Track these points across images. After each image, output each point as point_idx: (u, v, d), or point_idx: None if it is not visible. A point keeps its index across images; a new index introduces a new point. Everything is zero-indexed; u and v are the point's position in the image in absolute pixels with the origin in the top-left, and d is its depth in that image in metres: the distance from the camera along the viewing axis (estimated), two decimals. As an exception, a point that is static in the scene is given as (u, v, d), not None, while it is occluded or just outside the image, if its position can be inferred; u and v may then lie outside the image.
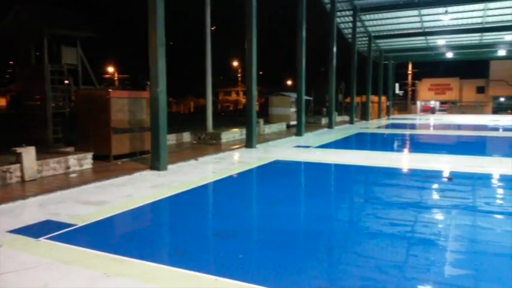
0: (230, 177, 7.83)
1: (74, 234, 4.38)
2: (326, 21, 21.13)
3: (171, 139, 12.82)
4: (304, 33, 16.05)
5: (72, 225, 4.63)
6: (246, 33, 12.08)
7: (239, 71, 65.85)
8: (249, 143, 12.19)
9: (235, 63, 66.47)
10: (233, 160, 9.97)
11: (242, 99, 59.48)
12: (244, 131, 12.89)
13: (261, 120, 17.20)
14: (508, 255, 3.85)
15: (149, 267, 3.50)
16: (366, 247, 4.11)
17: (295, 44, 16.28)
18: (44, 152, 7.99)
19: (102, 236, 4.42)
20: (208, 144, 13.08)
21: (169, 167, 8.43)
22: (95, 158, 8.54)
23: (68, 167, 7.82)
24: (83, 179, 7.15)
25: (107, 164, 8.70)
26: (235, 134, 14.69)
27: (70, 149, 9.20)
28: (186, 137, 13.88)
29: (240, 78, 66.61)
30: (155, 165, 8.14)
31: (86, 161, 8.25)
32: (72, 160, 7.93)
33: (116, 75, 57.11)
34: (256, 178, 8.25)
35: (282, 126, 19.69)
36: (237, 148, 12.02)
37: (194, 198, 6.22)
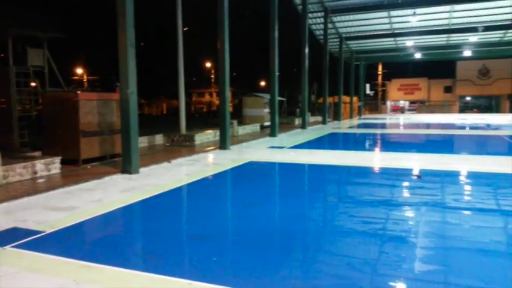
0: (204, 179, 7.77)
1: (42, 241, 4.23)
2: (298, 22, 21.31)
3: (143, 142, 12.62)
4: (276, 34, 16.14)
5: (40, 232, 4.47)
6: (218, 34, 12.03)
7: (212, 72, 65.56)
8: (223, 144, 12.14)
9: (208, 64, 66.14)
10: (207, 162, 9.90)
11: (216, 100, 59.22)
12: (218, 133, 12.83)
13: (235, 122, 17.16)
14: (475, 249, 3.97)
15: (121, 274, 3.42)
16: (339, 245, 4.16)
17: (268, 44, 16.35)
18: (9, 157, 7.69)
19: (71, 242, 4.28)
20: (181, 146, 12.94)
21: (142, 170, 8.28)
22: (63, 162, 8.30)
23: (35, 172, 7.56)
24: (51, 184, 6.92)
25: (76, 169, 8.47)
26: (209, 135, 14.61)
27: (37, 153, 8.90)
28: (159, 139, 13.69)
29: (213, 79, 66.33)
30: (126, 168, 7.98)
31: (54, 165, 8.00)
32: (39, 165, 7.67)
33: (85, 76, 55.77)
34: (230, 180, 8.22)
35: (256, 127, 19.73)
36: (211, 150, 11.95)
37: (167, 201, 6.13)
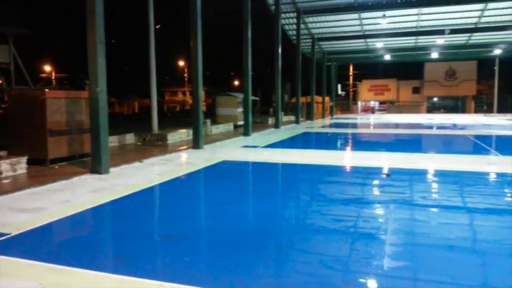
0: (177, 178, 7.69)
1: (7, 243, 4.08)
2: (272, 22, 21.41)
3: (113, 141, 12.37)
4: (249, 34, 16.16)
5: (5, 234, 4.31)
6: (191, 33, 11.94)
7: (186, 70, 64.98)
8: (196, 143, 12.05)
9: (181, 63, 65.49)
10: (180, 161, 9.81)
11: (189, 99, 58.73)
12: (191, 132, 12.73)
13: (208, 121, 17.08)
14: (442, 245, 4.11)
15: (90, 276, 3.34)
16: (311, 243, 4.22)
17: (242, 44, 16.35)
18: (-29, 157, 7.38)
19: (38, 244, 4.16)
20: (153, 145, 12.76)
21: (112, 170, 8.12)
22: (30, 162, 8.03)
23: (0, 173, 7.28)
24: (16, 185, 6.69)
25: (43, 169, 8.21)
26: (182, 134, 14.48)
27: (3, 153, 8.57)
28: (130, 138, 13.46)
29: (186, 78, 65.74)
30: (96, 168, 7.81)
31: (20, 165, 7.73)
32: (4, 165, 7.40)
33: (54, 74, 54.14)
34: (203, 179, 8.18)
35: (230, 126, 19.69)
36: (184, 149, 11.84)
37: (139, 201, 6.03)
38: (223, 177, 8.25)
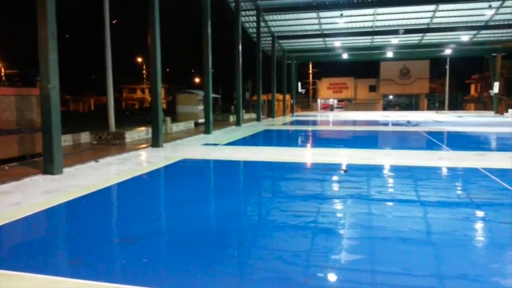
0: (135, 178, 7.51)
1: None
2: (232, 19, 21.35)
3: (67, 140, 11.91)
4: (209, 31, 16.03)
5: None
6: (149, 28, 11.67)
7: (144, 67, 63.55)
8: (155, 142, 11.82)
9: (140, 59, 63.97)
10: (138, 160, 9.58)
11: (148, 97, 57.51)
12: (150, 130, 12.48)
13: (168, 119, 16.81)
14: (396, 238, 4.26)
15: (43, 281, 3.20)
16: (272, 240, 4.25)
17: (202, 41, 16.19)
18: None
19: (-16, 250, 3.92)
20: (110, 144, 12.39)
21: (66, 170, 7.80)
22: (-25, 163, 7.57)
23: None
24: (-40, 188, 6.28)
25: (-9, 170, 7.77)
26: (141, 133, 14.16)
27: None
28: (85, 137, 13.00)
29: (145, 75, 64.32)
30: (48, 168, 7.47)
31: (-36, 167, 7.27)
32: None
33: (3, 70, 51.30)
34: (163, 178, 8.04)
35: (190, 124, 19.48)
36: (143, 148, 11.59)
37: (94, 202, 5.83)
38: (183, 175, 8.15)
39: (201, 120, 19.60)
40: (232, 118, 25.00)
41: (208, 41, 16.04)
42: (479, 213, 5.25)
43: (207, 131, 16.34)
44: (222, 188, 7.04)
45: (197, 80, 62.29)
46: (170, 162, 9.26)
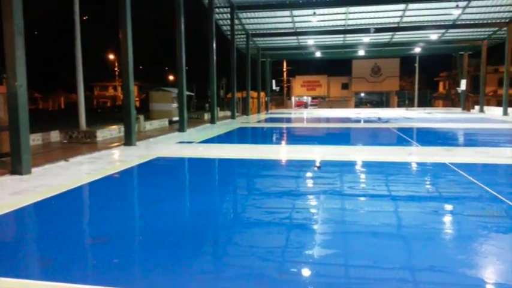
0: (108, 177, 7.37)
1: None
2: (205, 16, 21.20)
3: (36, 139, 11.56)
4: (182, 28, 15.87)
5: None
6: (120, 24, 11.45)
7: (116, 64, 62.28)
8: (128, 140, 11.62)
9: (112, 56, 62.62)
10: (111, 159, 9.41)
11: (121, 94, 56.40)
12: (123, 128, 12.26)
13: (141, 117, 16.57)
14: (368, 232, 4.37)
15: (12, 284, 3.11)
16: (247, 237, 4.27)
17: (176, 38, 16.02)
18: None
19: None
20: (81, 143, 12.11)
21: (34, 170, 7.58)
22: None
23: None
24: None
25: (-46, 171, 7.46)
26: (113, 131, 13.89)
27: None
28: (55, 136, 12.65)
29: (117, 73, 63.04)
30: (16, 168, 7.24)
31: None
32: None
33: (-35, 67, 49.18)
34: (137, 177, 7.93)
35: (164, 122, 19.26)
36: (115, 146, 11.38)
37: (65, 202, 5.69)
38: (157, 174, 8.06)
39: (175, 118, 19.40)
40: (206, 116, 24.87)
41: (182, 38, 15.89)
42: (447, 207, 5.44)
43: (181, 129, 16.20)
44: (196, 185, 7.01)
45: (171, 77, 61.57)
46: (143, 160, 9.14)
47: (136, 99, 54.34)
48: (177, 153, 10.60)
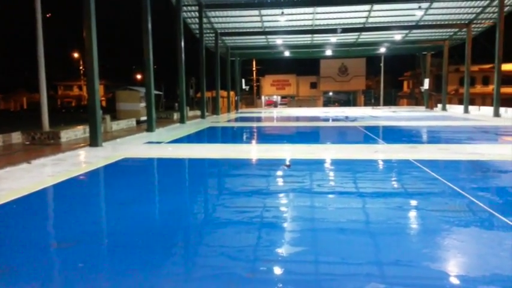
0: (72, 179, 7.15)
1: None
2: (173, 15, 20.93)
3: (-4, 141, 11.07)
4: (149, 26, 15.61)
5: None
6: (84, 20, 11.13)
7: (81, 63, 60.46)
8: (93, 141, 11.32)
9: (76, 55, 60.75)
10: (75, 161, 9.13)
11: (86, 94, 54.80)
12: (88, 129, 11.93)
13: (108, 117, 16.18)
14: (337, 229, 4.44)
15: (-33, 293, 2.96)
16: (217, 237, 4.25)
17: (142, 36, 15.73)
18: None
19: None
20: (45, 144, 11.70)
21: (-6, 173, 7.26)
22: None
23: None
24: None
25: None
26: (78, 132, 13.50)
27: None
28: (17, 137, 12.16)
29: (82, 71, 61.19)
30: (-26, 172, 6.91)
31: None
32: None
33: None
34: (103, 178, 7.73)
35: (132, 122, 18.89)
36: (81, 147, 11.06)
37: (27, 206, 5.48)
38: (124, 175, 7.89)
39: (143, 118, 19.05)
40: (176, 115, 24.57)
41: (149, 36, 15.62)
42: (412, 202, 5.61)
43: (149, 129, 15.93)
44: (165, 186, 6.91)
45: (139, 76, 60.40)
46: (110, 161, 8.93)
47: (102, 98, 52.97)
48: (145, 153, 10.42)
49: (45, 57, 12.53)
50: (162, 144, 12.16)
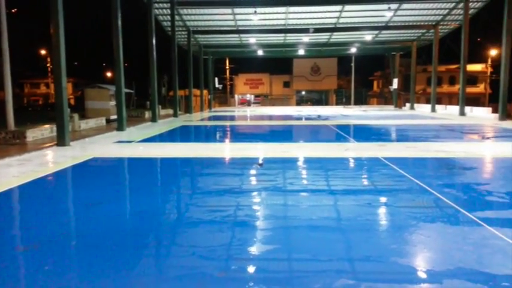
0: (38, 180, 6.92)
1: None
2: (144, 11, 20.58)
3: (-44, 140, 10.59)
4: (119, 22, 15.29)
5: None
6: (51, 16, 10.78)
7: (48, 60, 58.55)
8: (61, 140, 11.00)
9: (44, 52, 58.78)
10: (42, 161, 8.84)
11: (54, 92, 53.13)
12: (55, 128, 11.57)
13: (76, 115, 15.76)
14: (308, 226, 4.49)
15: None
16: (188, 237, 4.22)
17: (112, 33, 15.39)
18: None
19: None
20: (9, 144, 11.28)
21: (-46, 174, 6.94)
22: None
23: None
24: None
25: None
26: (45, 131, 13.08)
27: None
28: (-21, 137, 11.66)
29: (50, 69, 59.27)
30: None
31: None
32: None
33: None
34: (71, 179, 7.52)
35: (101, 121, 18.47)
36: (48, 147, 10.73)
37: (-10, 208, 5.27)
38: (93, 175, 7.70)
39: (114, 117, 18.67)
40: (147, 114, 24.19)
41: (119, 33, 15.29)
42: (380, 199, 5.74)
43: (120, 128, 15.62)
44: (136, 186, 6.80)
45: (109, 74, 59.08)
46: (78, 161, 8.70)
47: (71, 96, 51.55)
48: (115, 153, 10.21)
49: (10, 54, 12.09)
50: (132, 144, 11.95)
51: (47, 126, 13.44)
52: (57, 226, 4.58)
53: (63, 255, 3.73)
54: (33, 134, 12.28)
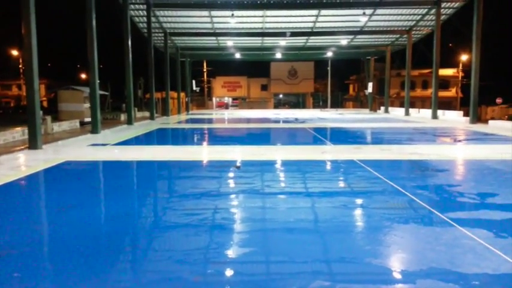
0: (8, 184, 6.70)
1: None
2: (120, 12, 20.29)
3: None
4: (94, 23, 15.02)
5: None
6: (23, 14, 10.48)
7: (20, 61, 56.89)
8: (33, 143, 10.69)
9: (15, 52, 57.07)
10: (13, 164, 8.57)
11: (25, 94, 51.63)
12: (27, 131, 11.24)
13: (49, 118, 15.38)
14: (285, 229, 4.50)
15: None
16: (163, 241, 4.17)
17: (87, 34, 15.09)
18: None
19: None
20: (-23, 147, 10.88)
21: None
22: None
23: None
24: None
25: None
26: (16, 133, 12.71)
27: None
28: None
29: (21, 70, 57.60)
30: None
31: None
32: None
33: None
34: (43, 183, 7.32)
35: (75, 123, 18.09)
36: (19, 150, 10.41)
37: (-44, 214, 5.06)
38: (66, 179, 7.51)
39: (88, 119, 18.30)
40: (123, 117, 23.84)
41: (93, 34, 15.02)
42: (356, 201, 5.82)
43: (94, 131, 15.31)
44: (110, 190, 6.67)
45: (83, 76, 57.90)
46: (50, 165, 8.47)
47: (44, 98, 50.25)
48: (89, 156, 9.99)
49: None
50: (107, 147, 11.73)
51: (18, 129, 13.06)
52: (29, 231, 4.44)
53: (34, 262, 3.61)
54: (4, 137, 11.90)
